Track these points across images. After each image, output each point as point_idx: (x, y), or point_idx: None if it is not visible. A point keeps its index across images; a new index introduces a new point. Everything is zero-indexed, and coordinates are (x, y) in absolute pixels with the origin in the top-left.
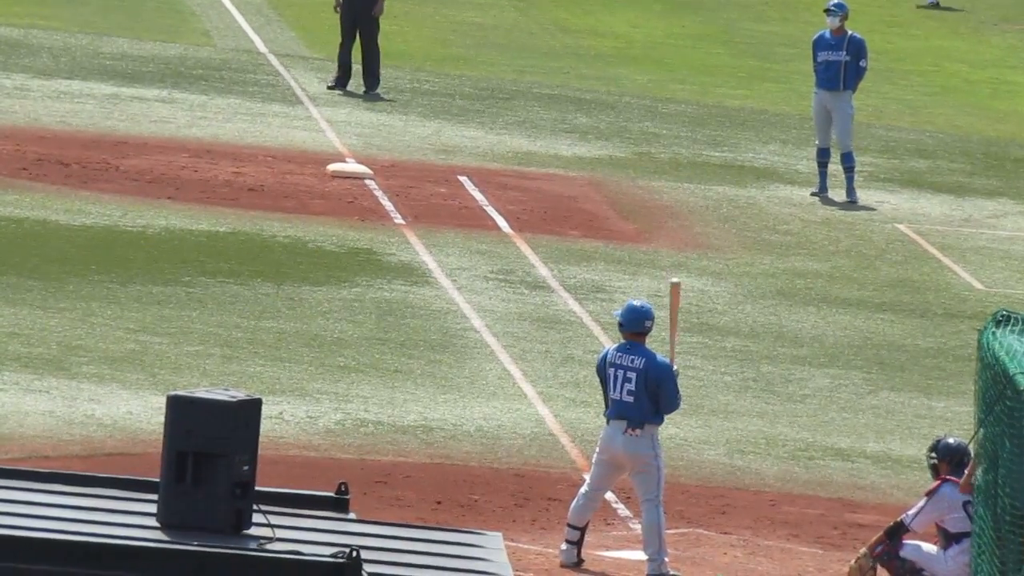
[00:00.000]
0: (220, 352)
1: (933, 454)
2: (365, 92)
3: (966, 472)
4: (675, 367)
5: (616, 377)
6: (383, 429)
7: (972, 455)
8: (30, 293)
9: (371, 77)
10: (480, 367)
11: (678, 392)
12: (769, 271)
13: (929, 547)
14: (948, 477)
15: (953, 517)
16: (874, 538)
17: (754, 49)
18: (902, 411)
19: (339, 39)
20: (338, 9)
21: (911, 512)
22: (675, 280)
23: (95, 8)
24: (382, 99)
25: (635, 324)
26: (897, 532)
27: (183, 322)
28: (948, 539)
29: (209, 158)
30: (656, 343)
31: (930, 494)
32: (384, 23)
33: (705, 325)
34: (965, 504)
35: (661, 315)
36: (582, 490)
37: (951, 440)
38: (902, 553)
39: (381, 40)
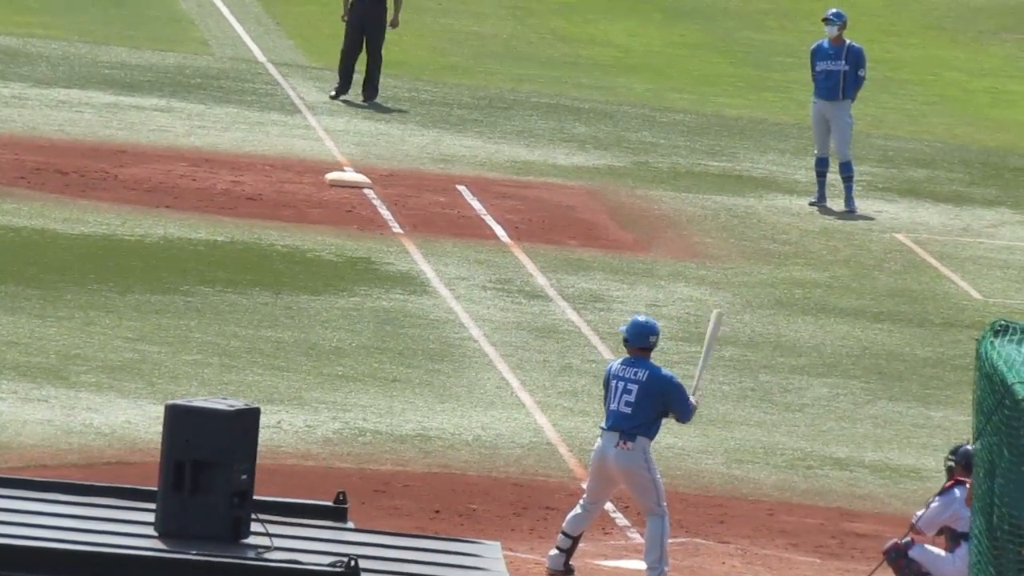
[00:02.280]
0: (218, 361)
1: (952, 457)
2: (364, 101)
3: (968, 486)
4: (695, 397)
5: (617, 388)
6: (381, 438)
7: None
8: (28, 302)
9: (371, 88)
10: (478, 376)
11: (689, 399)
12: (767, 280)
13: (937, 550)
14: (961, 478)
15: (964, 518)
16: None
17: (752, 58)
18: (900, 421)
19: (340, 48)
20: (345, 18)
21: (925, 513)
22: (718, 310)
23: (94, 17)
24: (381, 108)
25: (640, 339)
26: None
27: (181, 331)
28: (956, 539)
29: (207, 167)
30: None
31: (942, 493)
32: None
33: (703, 334)
34: None
35: (669, 327)
36: (580, 501)
37: (970, 446)
38: (911, 553)
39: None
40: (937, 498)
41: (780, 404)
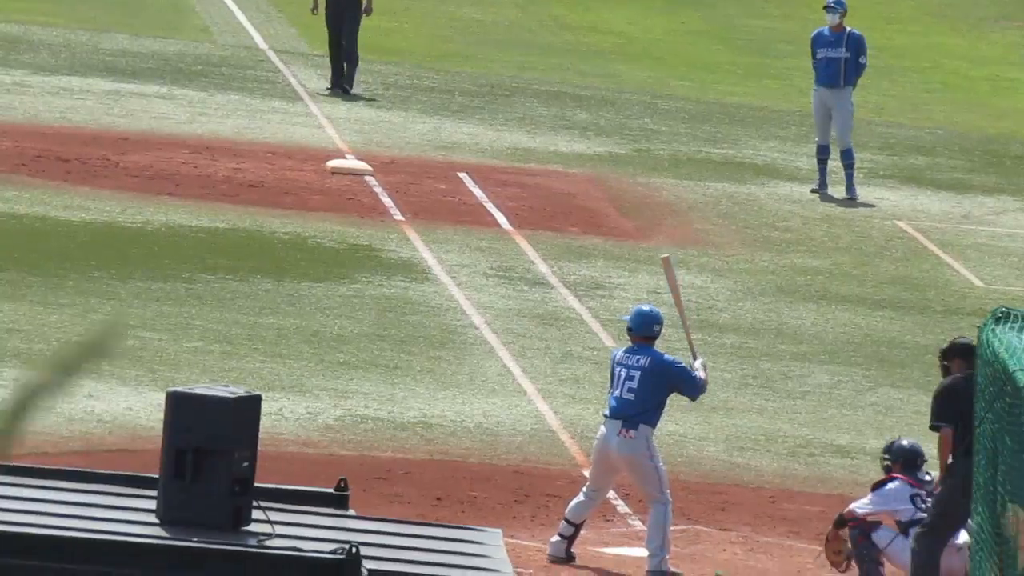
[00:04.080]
0: (220, 348)
1: (887, 455)
2: (342, 92)
3: (906, 480)
4: (701, 359)
5: (620, 375)
6: (383, 425)
7: (925, 457)
8: (30, 289)
9: (349, 78)
10: (480, 364)
11: (694, 375)
12: (769, 268)
13: (895, 533)
14: (897, 475)
15: (902, 510)
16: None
17: (754, 45)
18: (902, 408)
19: (327, 44)
20: (315, 11)
21: (855, 504)
22: (665, 255)
23: (95, 4)
24: (381, 95)
25: (644, 328)
26: (843, 523)
27: (183, 318)
28: (903, 528)
29: (209, 154)
30: (675, 343)
31: (876, 487)
32: (384, 20)
33: (705, 322)
34: (913, 497)
35: (670, 314)
36: (583, 488)
37: (904, 442)
38: (873, 535)
39: (380, 37)
40: (871, 493)
41: (781, 391)
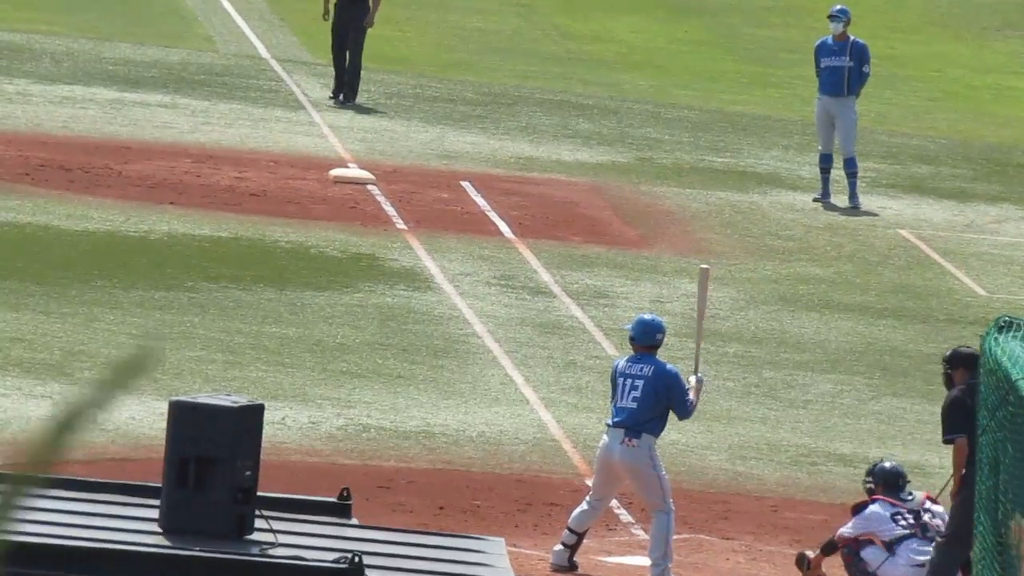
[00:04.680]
0: (222, 357)
1: (869, 478)
2: (344, 101)
3: (887, 500)
4: (699, 375)
5: (624, 386)
6: (385, 434)
7: (907, 478)
8: (32, 298)
9: (350, 90)
10: (482, 372)
11: (688, 396)
12: (771, 277)
13: (884, 552)
14: (878, 497)
15: (883, 529)
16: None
17: (756, 54)
18: (904, 417)
19: (331, 52)
20: (326, 17)
21: (842, 530)
22: (704, 266)
23: (97, 13)
24: (384, 104)
25: (647, 338)
26: (832, 548)
27: (185, 327)
28: (889, 547)
29: (211, 163)
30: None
31: (856, 511)
32: (387, 29)
33: (707, 331)
34: (894, 516)
35: (673, 323)
36: (586, 497)
37: (887, 464)
38: (862, 553)
39: (383, 46)
40: (853, 518)
41: (784, 400)
